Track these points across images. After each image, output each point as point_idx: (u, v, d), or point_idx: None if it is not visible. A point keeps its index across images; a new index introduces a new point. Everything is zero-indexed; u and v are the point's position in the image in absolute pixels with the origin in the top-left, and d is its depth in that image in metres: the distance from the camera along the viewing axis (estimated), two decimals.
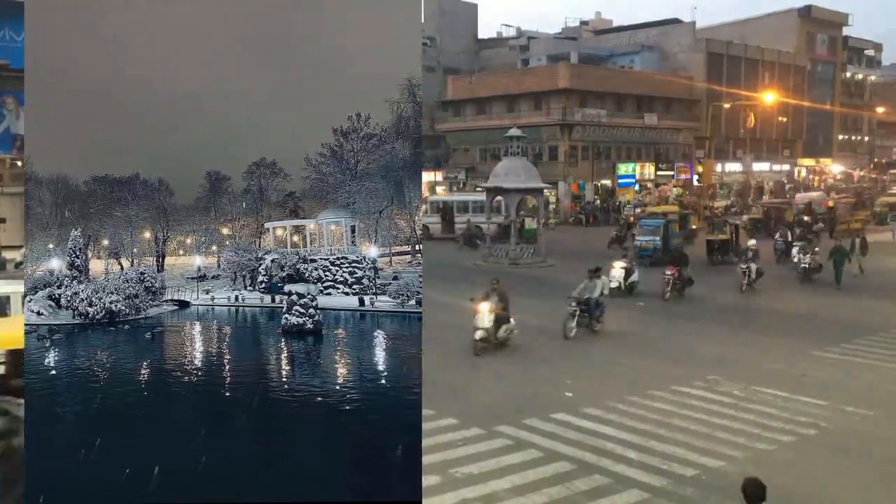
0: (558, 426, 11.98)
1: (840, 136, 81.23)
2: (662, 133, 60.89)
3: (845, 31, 79.06)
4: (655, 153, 60.73)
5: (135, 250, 44.79)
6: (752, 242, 26.55)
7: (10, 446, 7.18)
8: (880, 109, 78.28)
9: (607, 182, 57.67)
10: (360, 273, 32.27)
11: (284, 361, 17.72)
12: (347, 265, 32.53)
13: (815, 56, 75.42)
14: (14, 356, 8.22)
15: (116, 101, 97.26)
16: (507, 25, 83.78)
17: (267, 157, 47.01)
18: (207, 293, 33.79)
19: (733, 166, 66.28)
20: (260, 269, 33.21)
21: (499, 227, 36.28)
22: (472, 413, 12.17)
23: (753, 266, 24.24)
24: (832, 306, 22.12)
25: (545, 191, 35.46)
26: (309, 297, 22.45)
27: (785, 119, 70.95)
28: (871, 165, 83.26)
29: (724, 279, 26.00)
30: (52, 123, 76.38)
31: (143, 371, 18.70)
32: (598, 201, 55.50)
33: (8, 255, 40.66)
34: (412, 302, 27.79)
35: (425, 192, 62.43)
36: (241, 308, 29.42)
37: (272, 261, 33.36)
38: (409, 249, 43.53)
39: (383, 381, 15.02)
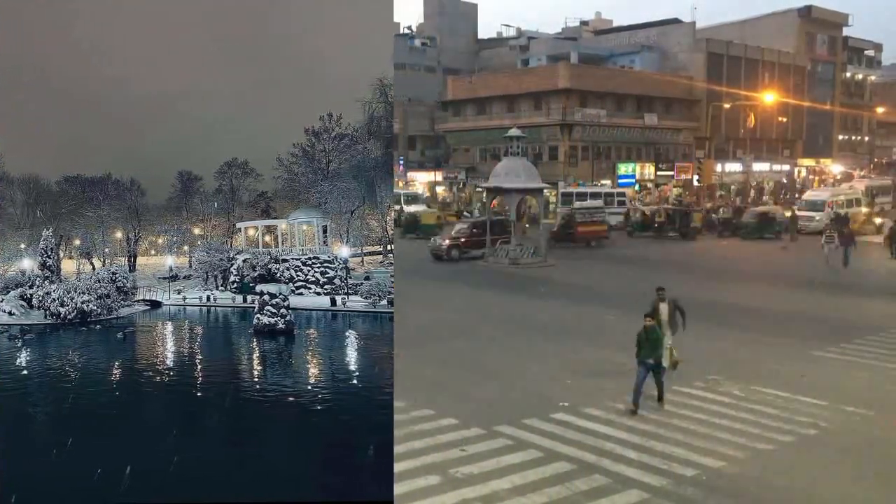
0: None
1: (840, 136, 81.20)
2: (662, 133, 60.88)
3: (845, 31, 79.01)
4: (655, 153, 60.72)
5: (106, 250, 44.81)
6: None
7: None
8: (880, 109, 78.25)
9: (607, 182, 57.62)
10: (331, 273, 32.26)
11: (256, 361, 17.69)
12: (319, 265, 32.53)
13: (815, 56, 75.39)
14: None
15: (90, 101, 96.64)
16: (507, 25, 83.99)
17: (238, 156, 47.09)
18: (179, 293, 33.76)
19: (733, 166, 66.27)
20: (231, 269, 33.18)
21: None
22: None
23: None
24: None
25: (545, 191, 35.59)
26: (280, 297, 22.41)
27: (785, 119, 70.91)
28: (871, 165, 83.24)
29: None
30: (25, 122, 76.13)
31: (114, 371, 18.65)
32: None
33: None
34: (384, 302, 27.72)
35: (425, 192, 62.50)
36: (212, 308, 29.36)
37: (244, 261, 33.31)
38: (381, 249, 43.56)
39: (355, 381, 15.00)
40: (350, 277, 29.66)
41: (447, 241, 33.21)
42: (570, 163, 54.97)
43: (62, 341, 25.02)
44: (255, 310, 22.15)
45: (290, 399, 13.36)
